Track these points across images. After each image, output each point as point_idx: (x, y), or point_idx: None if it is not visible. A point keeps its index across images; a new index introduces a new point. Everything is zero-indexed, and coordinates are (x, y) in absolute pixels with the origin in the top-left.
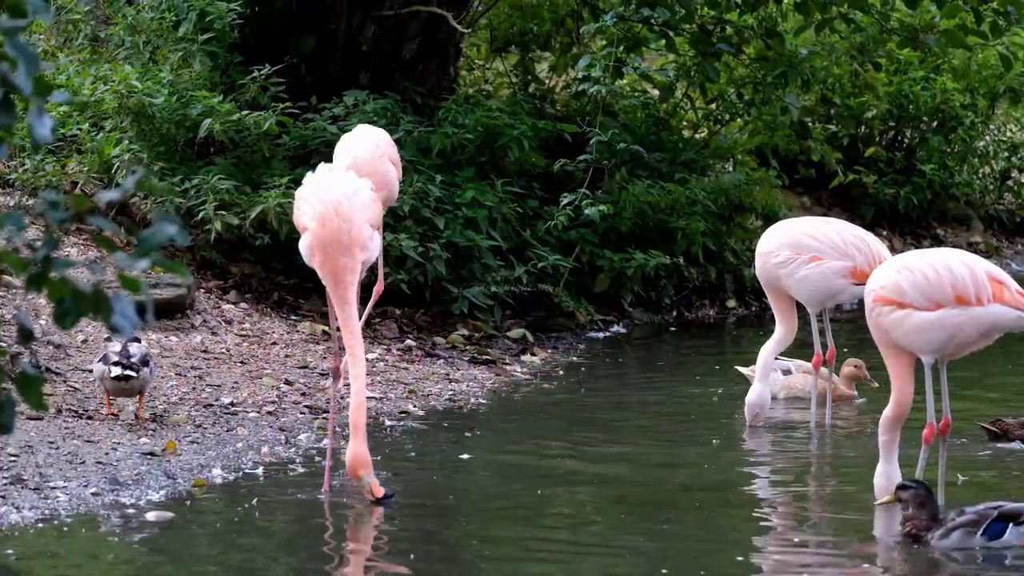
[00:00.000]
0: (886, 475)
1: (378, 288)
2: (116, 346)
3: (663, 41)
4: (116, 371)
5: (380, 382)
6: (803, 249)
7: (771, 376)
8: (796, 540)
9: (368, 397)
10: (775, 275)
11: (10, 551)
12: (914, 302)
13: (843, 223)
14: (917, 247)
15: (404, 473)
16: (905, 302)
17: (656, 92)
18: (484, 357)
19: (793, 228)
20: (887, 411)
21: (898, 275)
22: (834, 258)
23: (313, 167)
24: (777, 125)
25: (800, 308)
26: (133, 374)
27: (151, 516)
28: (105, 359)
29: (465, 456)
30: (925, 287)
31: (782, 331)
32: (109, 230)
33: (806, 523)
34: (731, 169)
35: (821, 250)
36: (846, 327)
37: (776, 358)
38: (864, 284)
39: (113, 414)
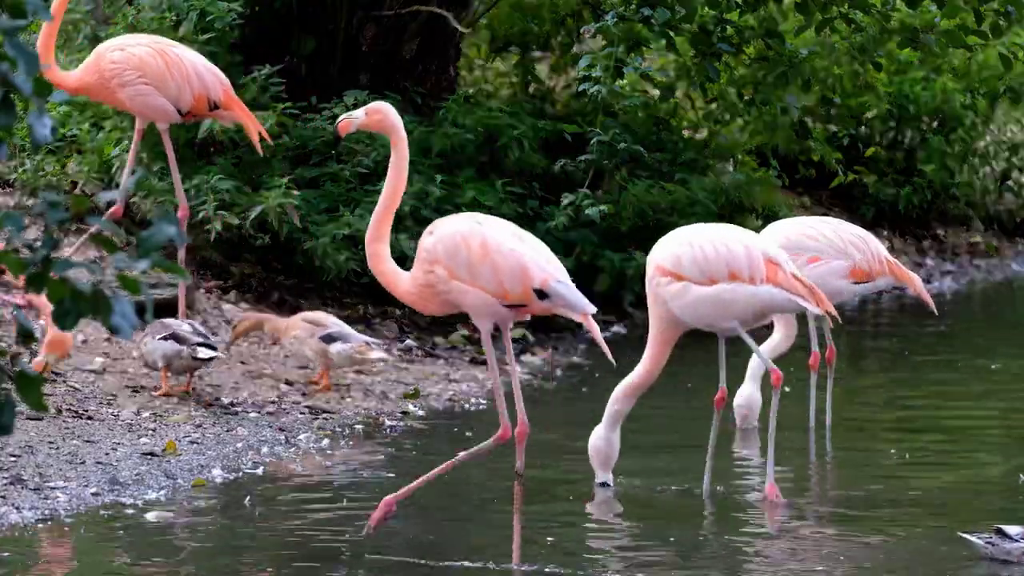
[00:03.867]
0: (607, 440)
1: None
2: (178, 323)
3: (663, 41)
4: (204, 352)
5: (380, 382)
6: (801, 250)
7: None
8: (794, 539)
9: (368, 397)
10: None
11: (6, 552)
12: (691, 276)
13: (840, 222)
14: (917, 247)
15: (405, 473)
16: (683, 275)
17: (656, 92)
18: (484, 357)
19: (790, 229)
20: (631, 378)
21: (679, 249)
22: (833, 258)
23: (313, 167)
24: (777, 125)
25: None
26: (219, 353)
27: (151, 516)
28: (178, 338)
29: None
30: (703, 262)
31: (780, 335)
32: (109, 230)
33: (806, 519)
34: (731, 169)
35: (820, 250)
36: (845, 326)
37: None
38: (864, 283)
39: (186, 391)
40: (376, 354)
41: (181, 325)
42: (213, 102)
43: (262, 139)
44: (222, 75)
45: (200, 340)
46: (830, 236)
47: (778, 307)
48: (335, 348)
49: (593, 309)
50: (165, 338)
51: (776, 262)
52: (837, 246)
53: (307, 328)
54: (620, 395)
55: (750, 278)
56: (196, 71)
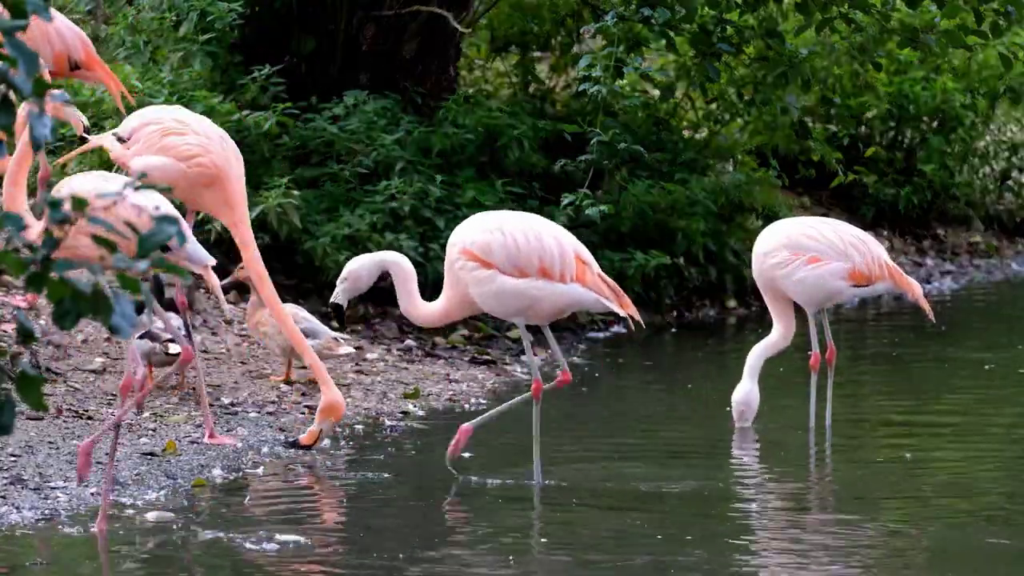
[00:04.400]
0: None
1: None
2: (307, 317)
3: (663, 41)
4: (174, 348)
5: (380, 382)
6: (802, 250)
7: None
8: (794, 539)
9: (368, 397)
10: (772, 276)
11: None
12: (500, 265)
13: (841, 223)
14: (917, 247)
15: (404, 473)
16: (492, 263)
17: (656, 92)
18: (484, 357)
19: (792, 228)
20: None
21: (491, 235)
22: (833, 259)
23: (313, 167)
24: (777, 125)
25: (799, 307)
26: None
27: (151, 516)
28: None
29: (466, 455)
30: (514, 253)
31: (779, 333)
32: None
33: (806, 519)
34: (731, 169)
35: (820, 251)
36: (845, 326)
37: None
38: (862, 286)
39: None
40: (344, 349)
41: (156, 322)
42: (74, 62)
43: (124, 99)
44: (83, 34)
45: (169, 337)
46: (831, 237)
47: (584, 307)
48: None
49: (213, 261)
50: (142, 336)
51: (585, 261)
52: (838, 248)
53: (276, 323)
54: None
55: (560, 275)
56: (56, 29)
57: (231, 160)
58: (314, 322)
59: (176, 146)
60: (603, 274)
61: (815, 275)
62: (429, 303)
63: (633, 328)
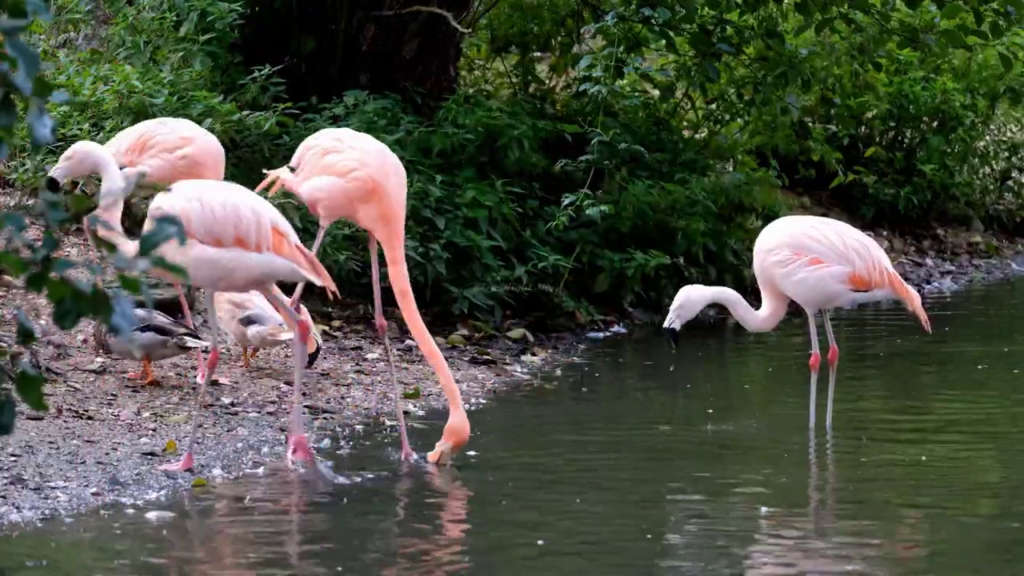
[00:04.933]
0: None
1: None
2: (259, 304)
3: (663, 41)
4: (192, 342)
5: (380, 382)
6: (804, 250)
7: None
8: (793, 539)
9: (368, 397)
10: (772, 273)
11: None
12: (197, 234)
13: (843, 225)
14: (917, 247)
15: (404, 473)
16: (191, 233)
17: (656, 92)
18: (484, 357)
19: (794, 227)
20: None
21: (188, 204)
22: (834, 262)
23: None
24: (777, 125)
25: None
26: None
27: (151, 516)
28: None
29: (467, 454)
30: (211, 222)
31: (766, 312)
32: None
33: (806, 519)
34: (731, 169)
35: (822, 253)
36: (845, 326)
37: None
38: (862, 291)
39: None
40: (286, 335)
41: (259, 306)
42: None
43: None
44: None
45: (184, 331)
46: (833, 240)
47: (280, 276)
48: (252, 330)
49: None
50: (144, 329)
51: (283, 232)
52: (839, 251)
53: (229, 310)
54: None
55: (256, 245)
56: None
57: (389, 174)
58: (264, 309)
59: (335, 163)
60: (301, 245)
61: (815, 276)
62: None
63: (331, 297)
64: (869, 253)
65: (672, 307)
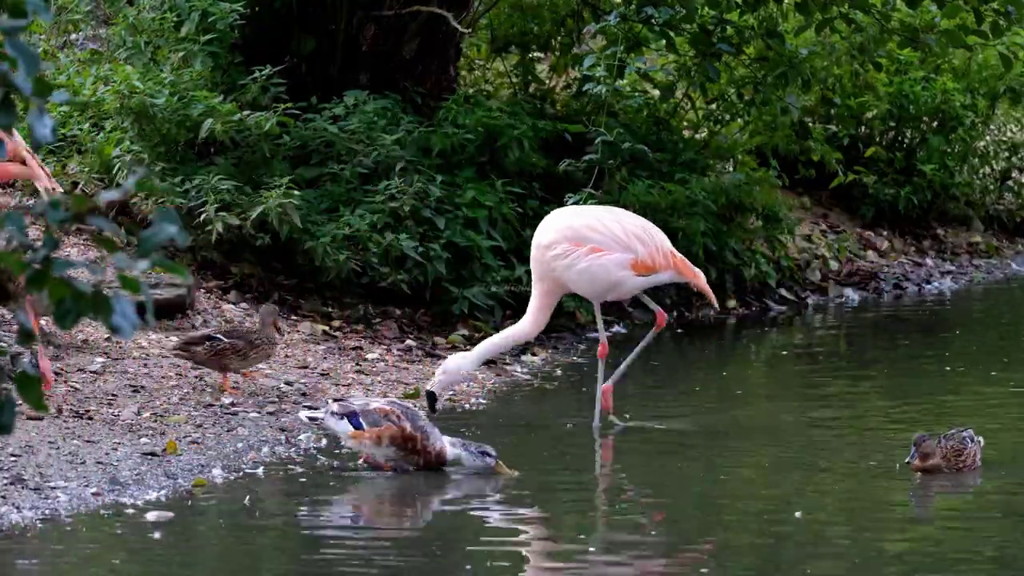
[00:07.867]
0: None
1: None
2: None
3: (663, 41)
4: None
5: (380, 382)
6: (583, 241)
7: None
8: (791, 539)
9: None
10: (551, 267)
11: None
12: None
13: (625, 213)
14: (917, 247)
15: (404, 473)
16: None
17: (656, 92)
18: None
19: (573, 219)
20: None
21: None
22: (616, 250)
23: (313, 167)
24: (777, 125)
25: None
26: None
27: (151, 516)
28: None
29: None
30: None
31: (528, 323)
32: (109, 230)
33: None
34: (731, 169)
35: (602, 242)
36: (845, 326)
37: None
38: (646, 276)
39: None
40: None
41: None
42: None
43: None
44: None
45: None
46: (613, 228)
47: None
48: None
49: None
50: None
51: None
52: (620, 239)
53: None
54: None
55: None
56: None
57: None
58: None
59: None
60: None
61: (597, 264)
62: None
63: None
64: (651, 238)
65: (437, 372)
